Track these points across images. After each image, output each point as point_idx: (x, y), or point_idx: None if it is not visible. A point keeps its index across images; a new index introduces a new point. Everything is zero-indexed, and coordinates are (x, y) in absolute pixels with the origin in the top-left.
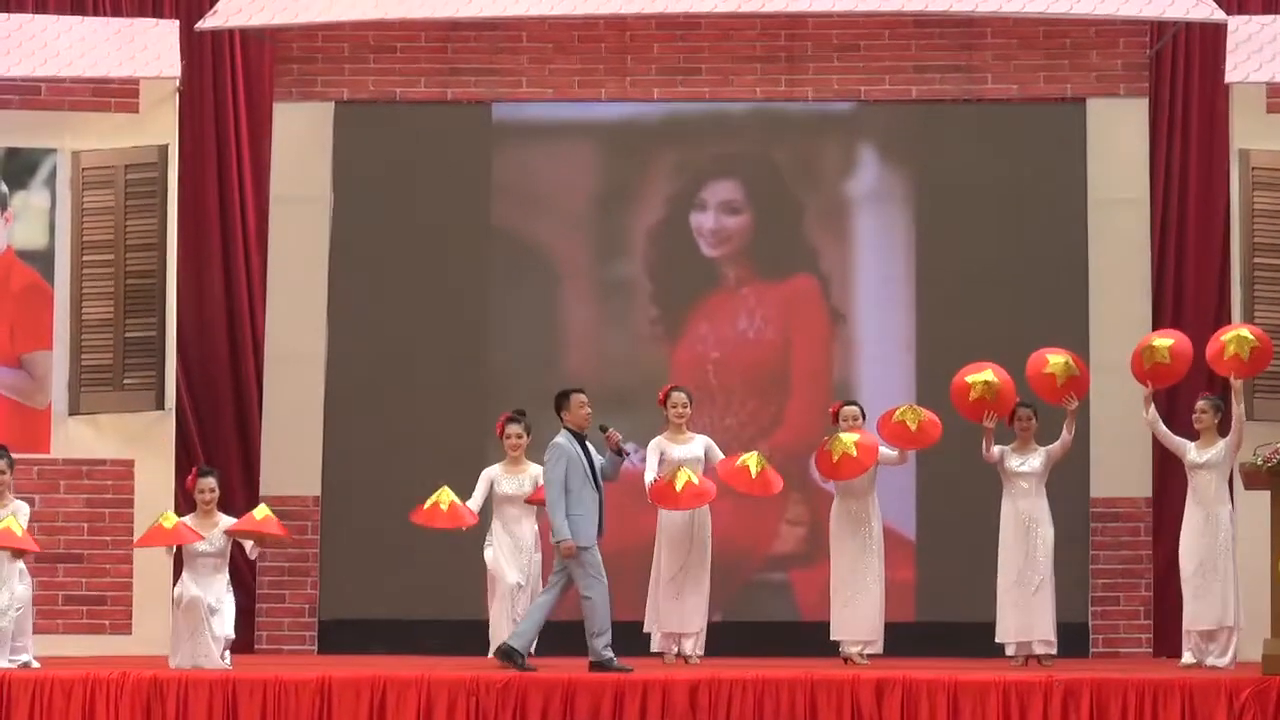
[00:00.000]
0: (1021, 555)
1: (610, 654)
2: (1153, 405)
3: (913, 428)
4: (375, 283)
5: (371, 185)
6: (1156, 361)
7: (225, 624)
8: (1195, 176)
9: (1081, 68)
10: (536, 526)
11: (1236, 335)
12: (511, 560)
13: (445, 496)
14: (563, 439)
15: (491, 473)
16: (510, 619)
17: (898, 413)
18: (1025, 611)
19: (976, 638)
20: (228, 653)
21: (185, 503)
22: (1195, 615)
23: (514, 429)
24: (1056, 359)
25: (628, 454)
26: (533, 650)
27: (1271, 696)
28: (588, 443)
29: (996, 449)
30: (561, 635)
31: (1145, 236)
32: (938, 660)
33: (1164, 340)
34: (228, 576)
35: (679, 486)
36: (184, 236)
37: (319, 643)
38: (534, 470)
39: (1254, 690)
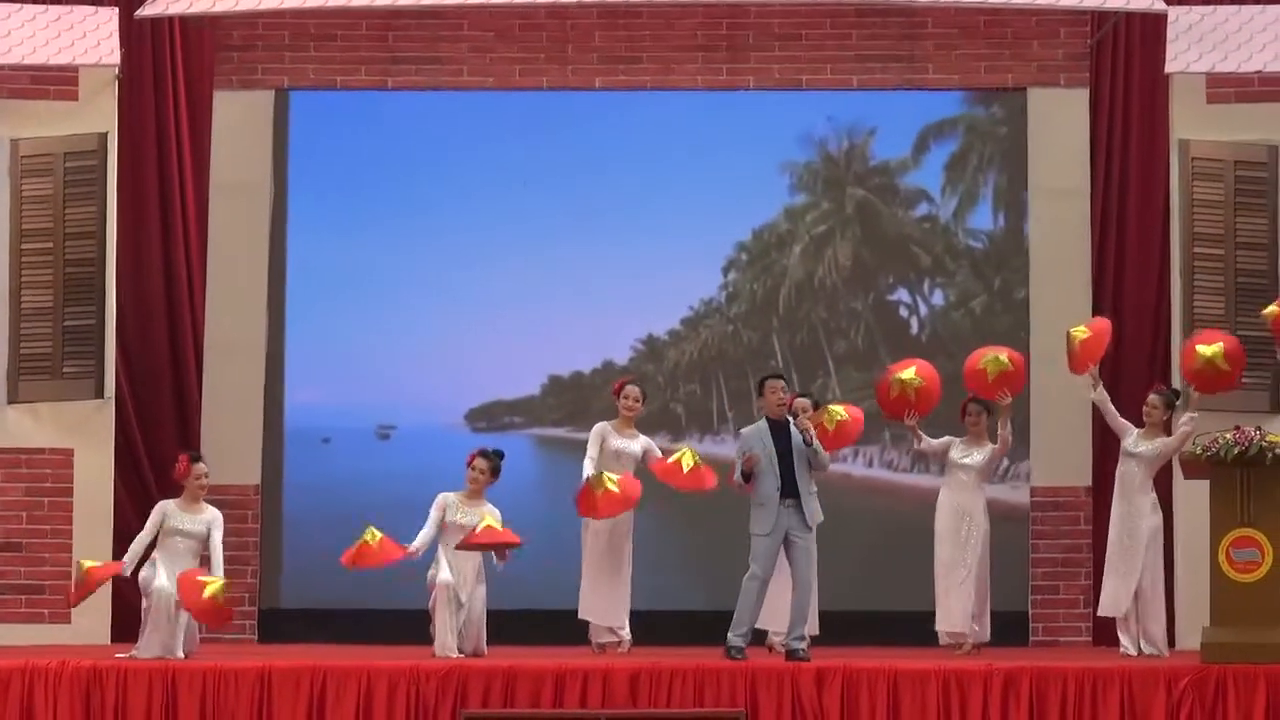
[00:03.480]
0: (954, 546)
1: (738, 643)
2: (1101, 384)
3: (830, 428)
4: (316, 270)
5: (312, 173)
6: (1081, 340)
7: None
8: (1135, 166)
9: (1022, 58)
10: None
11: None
12: (457, 570)
13: (373, 535)
14: (749, 429)
15: (447, 499)
16: (454, 627)
17: (829, 419)
18: (951, 600)
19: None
20: (196, 637)
21: (127, 491)
22: (1110, 601)
23: (486, 464)
24: (988, 355)
25: (809, 443)
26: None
27: (1210, 685)
28: (794, 430)
29: (944, 439)
30: (501, 623)
31: (1085, 226)
32: (878, 649)
33: (1075, 329)
34: (199, 564)
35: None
36: (123, 225)
37: (259, 632)
38: (488, 508)
39: (1192, 679)
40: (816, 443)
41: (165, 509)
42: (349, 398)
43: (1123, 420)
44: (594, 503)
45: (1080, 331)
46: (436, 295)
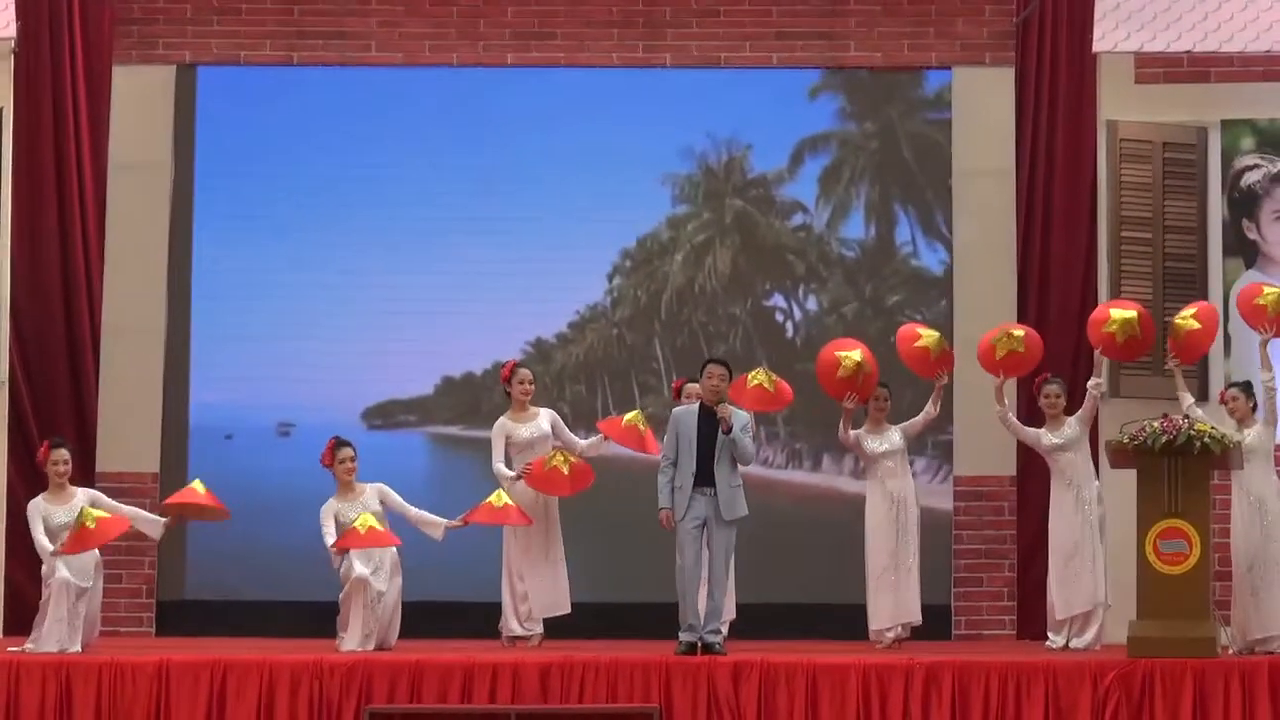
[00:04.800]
0: (893, 536)
1: (686, 639)
2: (1005, 399)
3: (771, 389)
4: (220, 252)
5: (215, 151)
6: (1012, 349)
7: (93, 606)
8: (1062, 148)
9: (946, 35)
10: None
11: (1124, 318)
12: (368, 565)
13: (364, 521)
14: (681, 409)
15: (332, 508)
16: (366, 621)
17: (751, 378)
18: (898, 593)
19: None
20: (95, 630)
21: (19, 477)
22: (1068, 601)
23: (347, 452)
24: (930, 334)
25: (728, 431)
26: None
27: (1137, 679)
28: (722, 417)
29: (852, 433)
30: (406, 616)
31: (1010, 209)
32: (796, 642)
33: (1018, 330)
34: (98, 553)
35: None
36: (19, 203)
37: (157, 625)
38: (369, 491)
39: (1119, 673)
40: (738, 433)
41: (39, 509)
42: (251, 395)
43: (1030, 430)
44: (557, 479)
45: (1015, 342)
46: (335, 296)
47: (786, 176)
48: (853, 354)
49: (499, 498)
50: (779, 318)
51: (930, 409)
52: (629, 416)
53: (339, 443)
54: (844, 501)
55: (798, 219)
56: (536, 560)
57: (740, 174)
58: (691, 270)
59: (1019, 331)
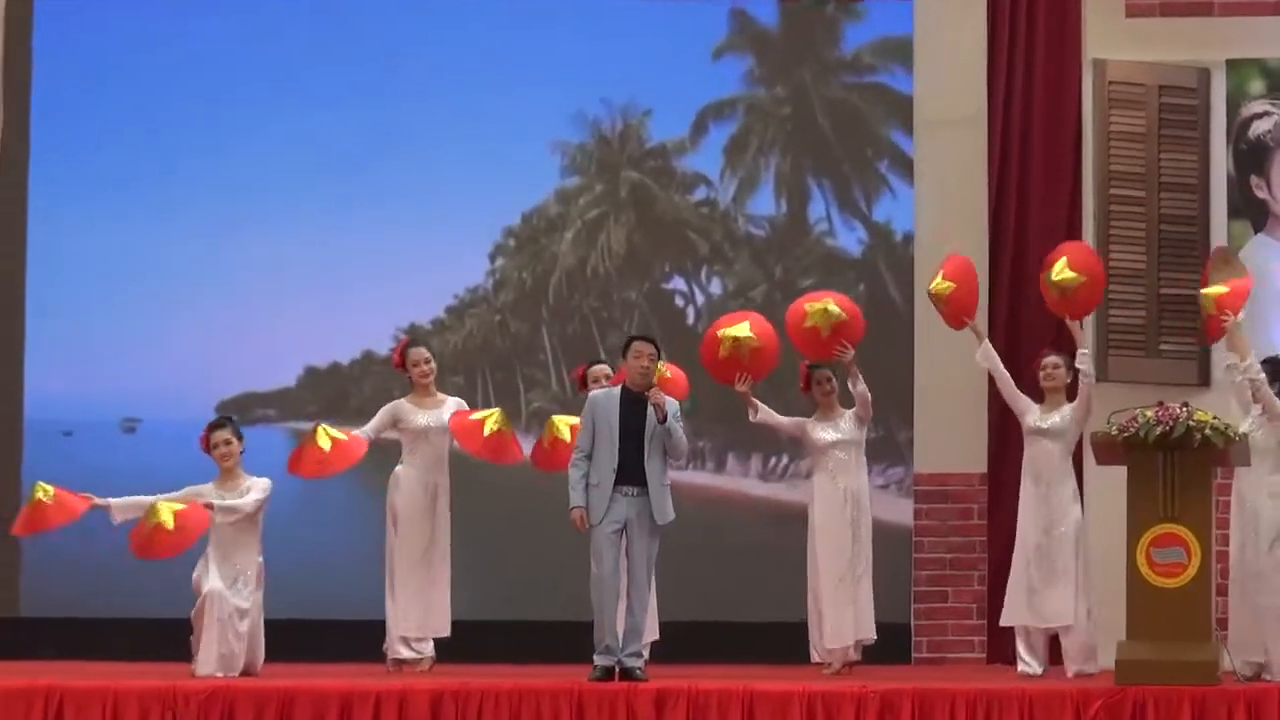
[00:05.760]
0: (847, 540)
1: (603, 663)
2: (985, 340)
3: (668, 375)
4: (63, 206)
5: (52, 94)
6: (940, 296)
7: None
8: (1041, 91)
9: None
10: (259, 546)
11: (1060, 270)
12: (224, 577)
13: (45, 492)
14: (600, 393)
15: (197, 490)
16: (223, 640)
17: None
18: (853, 605)
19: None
20: None
21: None
22: (1034, 611)
23: (220, 435)
24: (814, 306)
25: (663, 420)
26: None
27: (1126, 709)
28: (656, 404)
29: (794, 419)
30: (277, 635)
31: (981, 162)
32: (728, 667)
33: (942, 284)
34: None
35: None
36: None
37: None
38: (249, 483)
39: (1106, 702)
40: (673, 423)
41: None
42: (92, 385)
43: (1022, 396)
44: (299, 457)
45: (943, 285)
46: (186, 273)
47: (688, 146)
48: (732, 330)
49: (165, 513)
50: (679, 302)
51: (855, 390)
52: (485, 414)
53: (215, 424)
54: (750, 506)
55: (700, 193)
56: (413, 570)
57: (637, 142)
58: (583, 250)
59: (936, 286)
